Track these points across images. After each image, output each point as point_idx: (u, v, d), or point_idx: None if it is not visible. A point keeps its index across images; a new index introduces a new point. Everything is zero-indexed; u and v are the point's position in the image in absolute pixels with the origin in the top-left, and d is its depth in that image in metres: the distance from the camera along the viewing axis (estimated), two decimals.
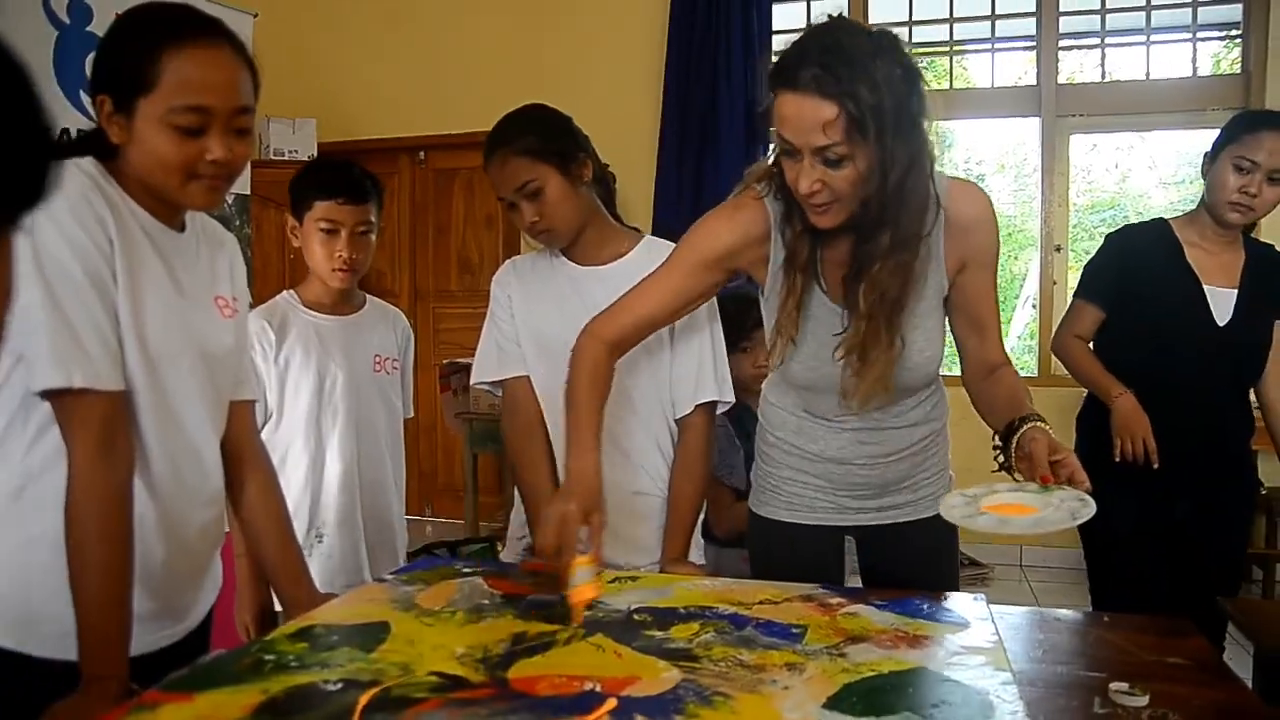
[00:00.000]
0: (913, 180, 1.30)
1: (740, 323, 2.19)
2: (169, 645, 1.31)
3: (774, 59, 1.31)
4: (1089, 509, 1.19)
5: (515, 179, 1.58)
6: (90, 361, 1.11)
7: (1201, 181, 2.21)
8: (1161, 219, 2.28)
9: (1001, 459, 1.35)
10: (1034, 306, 5.73)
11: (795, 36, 1.30)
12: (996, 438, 1.37)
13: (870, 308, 1.37)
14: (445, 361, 3.99)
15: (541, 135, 1.59)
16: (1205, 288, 2.13)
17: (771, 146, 1.41)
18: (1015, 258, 7.36)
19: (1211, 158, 2.14)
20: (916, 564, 1.59)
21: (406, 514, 2.10)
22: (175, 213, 1.26)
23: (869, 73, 1.22)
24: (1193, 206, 2.26)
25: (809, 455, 1.57)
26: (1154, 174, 6.43)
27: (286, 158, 4.65)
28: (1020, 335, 6.43)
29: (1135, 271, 2.20)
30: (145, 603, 1.25)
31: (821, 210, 1.31)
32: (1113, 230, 2.37)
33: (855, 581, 1.68)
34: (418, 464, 5.13)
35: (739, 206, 1.46)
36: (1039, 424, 1.30)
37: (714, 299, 1.64)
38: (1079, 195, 5.10)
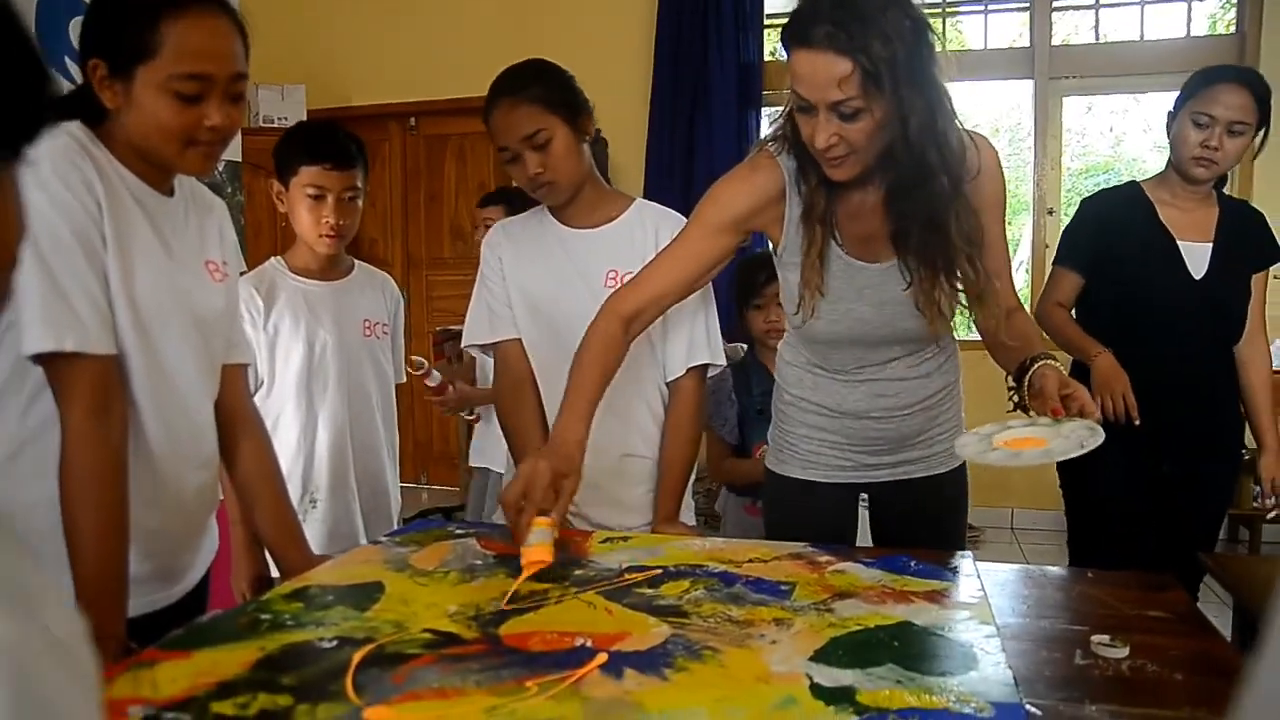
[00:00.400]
0: (942, 125, 1.33)
1: (752, 281, 2.25)
2: (166, 607, 1.33)
3: (784, 18, 1.33)
4: (1097, 437, 1.24)
5: (523, 127, 1.56)
6: (81, 325, 1.11)
7: None
8: (1133, 181, 2.31)
9: (1015, 398, 1.40)
10: (1027, 271, 5.74)
11: None
12: (1010, 378, 1.42)
13: (970, 246, 1.40)
14: (439, 329, 3.98)
15: (551, 86, 1.59)
16: (1180, 243, 2.15)
17: (784, 105, 1.42)
18: (1009, 223, 7.34)
19: (1174, 115, 2.16)
20: (928, 520, 1.62)
21: (401, 482, 2.11)
22: (164, 177, 1.26)
23: (880, 26, 1.24)
24: None
25: (826, 411, 1.58)
26: (1148, 138, 6.40)
27: (276, 124, 4.62)
28: None
29: (1111, 234, 2.22)
30: (141, 565, 1.26)
31: (838, 163, 1.33)
32: (1087, 196, 2.39)
33: (867, 540, 1.72)
34: (412, 433, 5.14)
35: (754, 168, 1.47)
36: (1049, 361, 1.35)
37: None
38: (1073, 159, 5.09)
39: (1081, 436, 1.26)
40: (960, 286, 1.45)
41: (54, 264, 1.10)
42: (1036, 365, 1.36)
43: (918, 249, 1.42)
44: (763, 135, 1.51)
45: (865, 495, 1.67)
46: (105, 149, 1.18)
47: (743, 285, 2.32)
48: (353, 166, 1.84)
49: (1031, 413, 1.36)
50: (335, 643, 1.05)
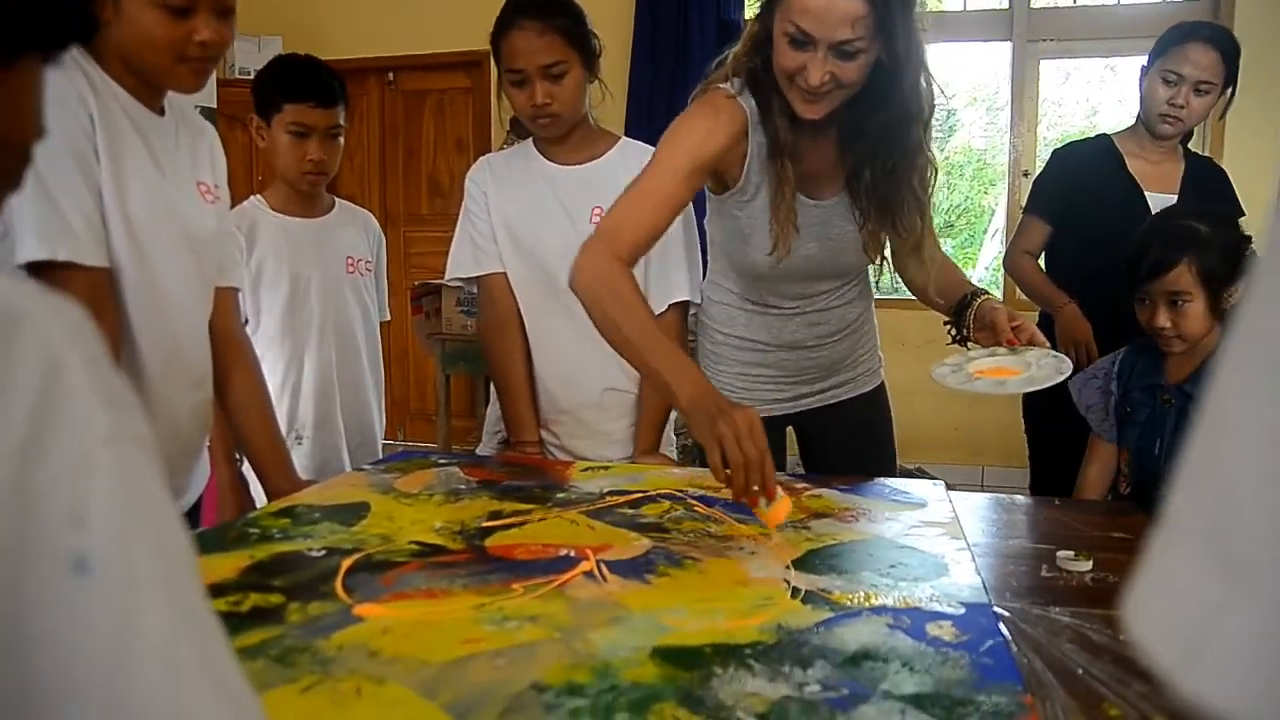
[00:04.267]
0: (925, 73, 1.35)
1: None
2: None
3: None
4: (1067, 364, 1.32)
5: (546, 54, 1.54)
6: (74, 236, 1.12)
7: None
8: (1104, 134, 2.35)
9: (954, 333, 1.45)
10: (1002, 241, 5.78)
11: None
12: (948, 313, 1.48)
13: (918, 198, 1.43)
14: (417, 283, 3.97)
15: (579, 20, 1.58)
16: (1147, 194, 2.20)
17: (748, 34, 1.41)
18: (985, 192, 7.40)
19: (1146, 70, 2.21)
20: (859, 438, 1.68)
21: (382, 439, 2.12)
22: (156, 95, 1.26)
23: None
24: None
25: (761, 346, 1.61)
26: (1124, 109, 6.45)
27: (252, 76, 4.54)
28: (988, 266, 6.50)
29: (1080, 183, 2.27)
30: None
31: (816, 101, 1.32)
32: (1059, 147, 2.43)
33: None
34: (390, 391, 5.07)
35: (716, 106, 1.42)
36: (990, 296, 1.43)
37: None
38: (1049, 128, 5.11)
39: (1054, 364, 1.33)
40: (903, 235, 1.47)
41: (48, 176, 1.10)
42: (980, 300, 1.42)
43: (871, 191, 1.43)
44: (711, 68, 1.48)
45: (790, 427, 1.70)
46: (96, 65, 1.18)
47: None
48: (336, 104, 1.83)
49: (973, 346, 1.42)
50: (324, 552, 1.07)
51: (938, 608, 0.93)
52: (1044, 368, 1.32)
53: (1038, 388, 1.31)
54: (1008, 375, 1.34)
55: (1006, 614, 0.96)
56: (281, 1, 5.02)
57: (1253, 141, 3.80)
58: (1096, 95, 6.68)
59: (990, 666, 0.79)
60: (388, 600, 0.93)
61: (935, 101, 1.39)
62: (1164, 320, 1.60)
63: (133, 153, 1.20)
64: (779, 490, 1.12)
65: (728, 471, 1.10)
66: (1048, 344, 1.37)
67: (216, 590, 0.95)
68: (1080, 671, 0.83)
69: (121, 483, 0.39)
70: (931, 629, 0.87)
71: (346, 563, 1.04)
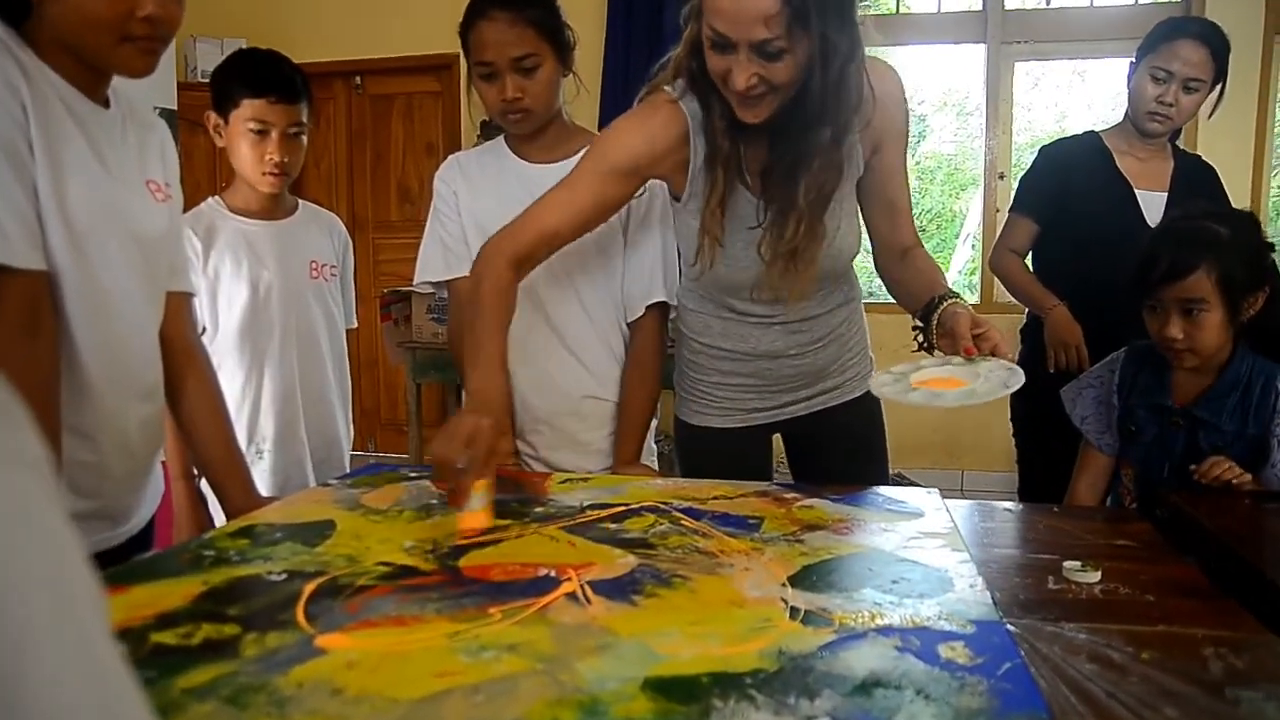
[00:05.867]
0: (852, 71, 1.27)
1: None
2: (107, 549, 1.24)
3: None
4: (1018, 378, 1.19)
5: (517, 46, 1.47)
6: (5, 237, 1.02)
7: None
8: (1092, 131, 2.31)
9: (921, 339, 1.35)
10: (973, 247, 5.77)
11: None
12: (916, 318, 1.37)
13: (809, 205, 1.34)
14: (386, 290, 3.88)
15: (551, 12, 1.51)
16: (1137, 191, 2.16)
17: (684, 39, 1.33)
18: (956, 196, 7.42)
19: (1133, 68, 2.17)
20: (849, 445, 1.61)
21: (350, 450, 2.03)
22: (98, 82, 1.16)
23: None
24: None
25: (739, 356, 1.54)
26: (1092, 113, 6.48)
27: None
28: (961, 270, 6.51)
29: (1069, 181, 2.22)
30: (80, 503, 1.19)
31: (754, 104, 1.26)
32: (1046, 143, 2.39)
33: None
34: (360, 400, 5.03)
35: (651, 111, 1.38)
36: (958, 300, 1.31)
37: (667, 198, 1.60)
38: (1019, 132, 5.11)
39: (1003, 377, 1.20)
40: (787, 238, 1.36)
41: None
42: (945, 304, 1.31)
43: (771, 190, 1.36)
44: (653, 78, 1.42)
45: (778, 435, 1.64)
46: (30, 51, 1.08)
47: None
48: (298, 100, 1.75)
49: (937, 352, 1.32)
50: (284, 575, 1.00)
51: (947, 626, 0.86)
52: (990, 380, 1.21)
53: (976, 402, 1.19)
54: (951, 387, 1.23)
55: (1018, 631, 0.90)
56: (246, 3, 4.93)
57: (1226, 140, 3.80)
58: (1065, 100, 6.71)
59: (1011, 692, 0.73)
60: (353, 629, 0.86)
61: (863, 106, 1.31)
62: (1176, 331, 1.49)
63: (72, 146, 1.10)
64: (476, 502, 1.14)
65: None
66: (1010, 354, 1.26)
67: (165, 621, 0.87)
68: (1105, 695, 0.77)
69: (7, 512, 0.32)
70: (944, 651, 0.81)
71: (309, 587, 0.96)
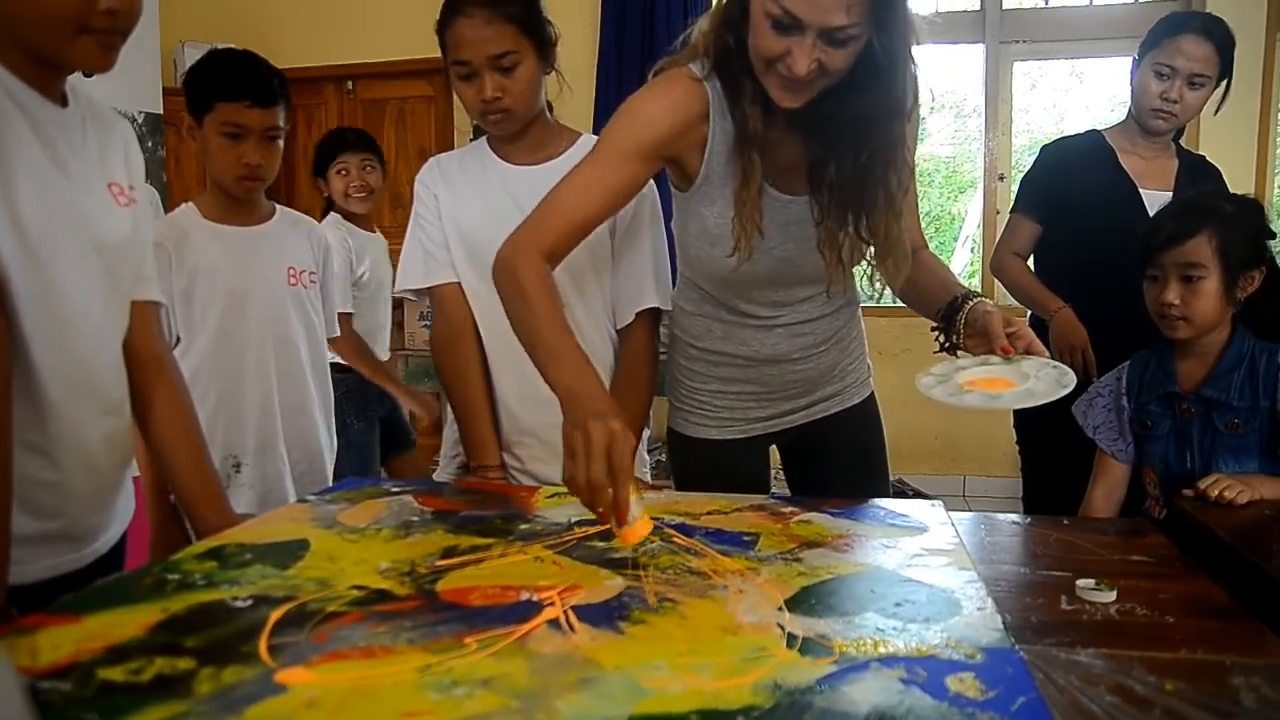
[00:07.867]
0: (913, 63, 1.24)
1: None
2: (72, 571, 1.18)
3: None
4: (1070, 377, 1.17)
5: (495, 45, 1.42)
6: None
7: None
8: (1094, 130, 2.26)
9: (942, 339, 1.32)
10: (973, 250, 5.73)
11: None
12: (936, 318, 1.33)
13: (887, 198, 1.30)
14: None
15: (531, 8, 1.46)
16: (1141, 190, 2.11)
17: (718, 9, 1.28)
18: (954, 199, 7.38)
19: (1136, 64, 2.12)
20: (848, 454, 1.56)
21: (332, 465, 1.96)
22: (53, 79, 1.10)
23: None
24: None
25: (740, 361, 1.49)
26: (1090, 115, 6.45)
27: None
28: (960, 274, 6.47)
29: (1071, 180, 2.17)
30: (39, 523, 1.12)
31: (799, 89, 1.20)
32: (1048, 142, 2.33)
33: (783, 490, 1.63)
34: None
35: (671, 84, 1.32)
36: (984, 299, 1.28)
37: (656, 199, 1.54)
38: (1019, 134, 5.07)
39: (1054, 376, 1.18)
40: (867, 238, 1.33)
41: None
42: (972, 303, 1.28)
43: (835, 187, 1.30)
44: (673, 48, 1.37)
45: (774, 447, 1.59)
46: None
47: None
48: (274, 103, 1.69)
49: (960, 353, 1.29)
50: (250, 602, 0.94)
51: (955, 655, 0.80)
52: (1043, 380, 1.18)
53: (1038, 403, 1.15)
54: (1002, 388, 1.21)
55: (1030, 658, 0.84)
56: (235, 7, 4.88)
57: (1228, 139, 3.75)
58: (1064, 102, 6.67)
59: None
60: (317, 662, 0.80)
61: (920, 98, 1.29)
62: (1174, 296, 1.52)
63: (24, 147, 1.04)
64: (635, 510, 1.01)
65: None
66: (1046, 352, 1.23)
67: (115, 655, 0.80)
68: None
69: None
70: (952, 684, 0.75)
71: (275, 615, 0.90)
